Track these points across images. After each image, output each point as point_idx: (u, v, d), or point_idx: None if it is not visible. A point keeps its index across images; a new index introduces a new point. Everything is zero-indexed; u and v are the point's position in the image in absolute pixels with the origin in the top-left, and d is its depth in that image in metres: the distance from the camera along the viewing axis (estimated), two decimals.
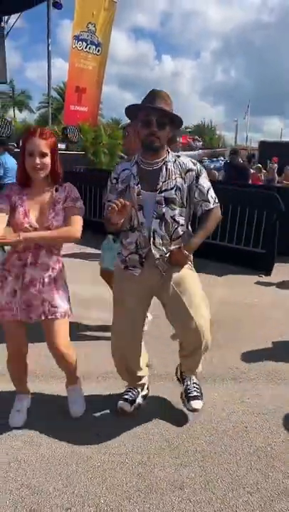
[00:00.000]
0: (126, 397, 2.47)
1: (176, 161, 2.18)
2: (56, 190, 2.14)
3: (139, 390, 2.54)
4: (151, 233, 2.16)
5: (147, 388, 2.61)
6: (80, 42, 11.71)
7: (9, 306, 2.11)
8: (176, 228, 2.18)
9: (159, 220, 2.15)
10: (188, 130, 36.89)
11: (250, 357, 3.25)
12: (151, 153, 2.14)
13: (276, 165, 11.61)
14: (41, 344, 2.30)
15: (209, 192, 2.23)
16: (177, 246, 2.20)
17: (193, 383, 2.47)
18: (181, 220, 2.20)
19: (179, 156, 2.23)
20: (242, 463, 2.14)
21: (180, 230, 2.20)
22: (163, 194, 2.14)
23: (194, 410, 2.39)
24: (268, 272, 5.62)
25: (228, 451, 2.21)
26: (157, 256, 2.18)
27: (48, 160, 2.02)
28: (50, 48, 12.69)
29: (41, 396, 2.59)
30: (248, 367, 3.09)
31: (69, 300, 2.26)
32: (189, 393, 2.42)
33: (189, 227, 2.31)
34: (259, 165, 13.87)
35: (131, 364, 2.40)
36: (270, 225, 5.65)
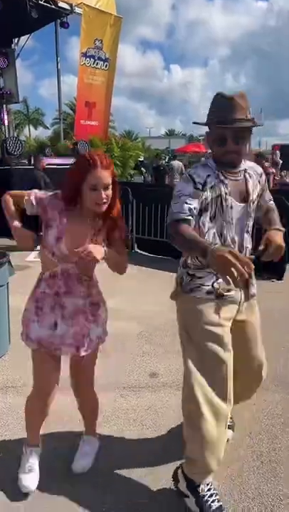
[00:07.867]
0: None
1: (249, 167, 1.91)
2: (99, 218, 1.82)
3: None
4: (245, 250, 1.87)
5: None
6: (88, 58, 11.97)
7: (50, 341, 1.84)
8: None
9: (247, 234, 1.90)
10: (202, 138, 37.01)
11: None
12: (230, 169, 1.82)
13: None
14: None
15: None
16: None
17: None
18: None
19: (244, 161, 1.92)
20: (245, 468, 2.15)
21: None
22: (253, 205, 1.88)
23: None
24: (279, 276, 5.60)
25: (230, 457, 2.22)
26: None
27: (110, 191, 1.74)
28: (59, 67, 13.04)
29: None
30: None
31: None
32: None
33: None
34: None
35: None
36: None
